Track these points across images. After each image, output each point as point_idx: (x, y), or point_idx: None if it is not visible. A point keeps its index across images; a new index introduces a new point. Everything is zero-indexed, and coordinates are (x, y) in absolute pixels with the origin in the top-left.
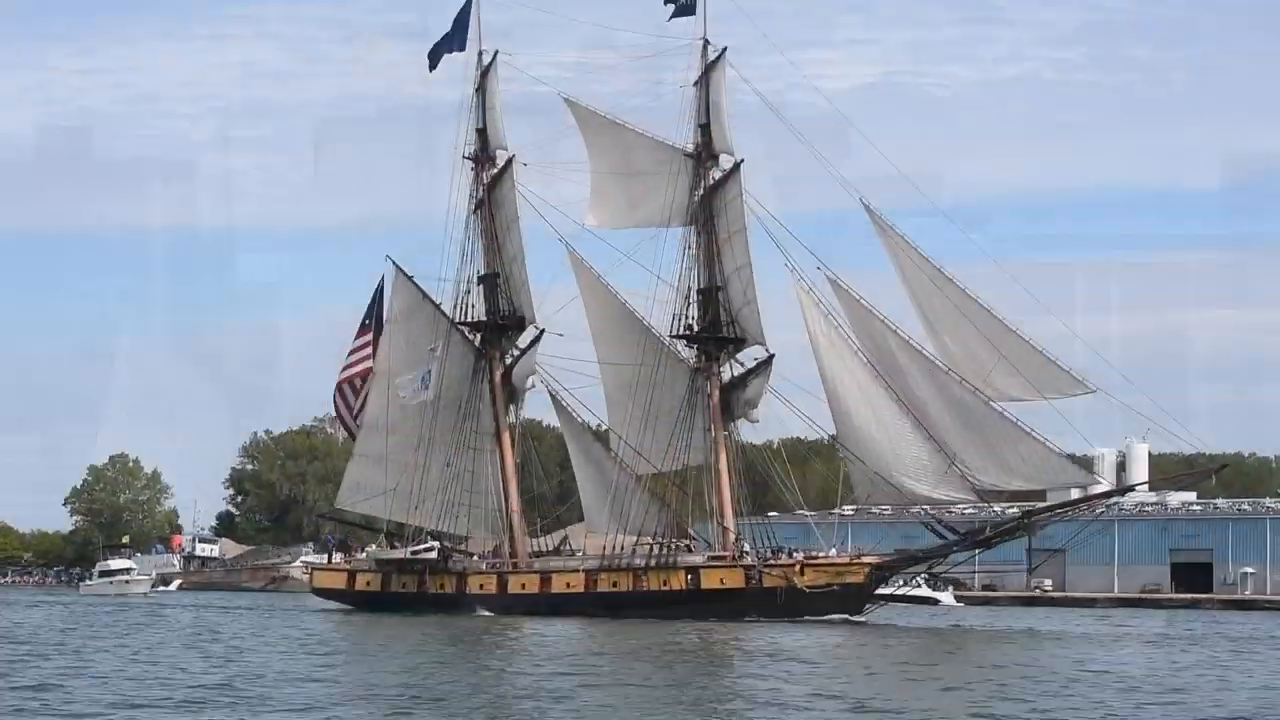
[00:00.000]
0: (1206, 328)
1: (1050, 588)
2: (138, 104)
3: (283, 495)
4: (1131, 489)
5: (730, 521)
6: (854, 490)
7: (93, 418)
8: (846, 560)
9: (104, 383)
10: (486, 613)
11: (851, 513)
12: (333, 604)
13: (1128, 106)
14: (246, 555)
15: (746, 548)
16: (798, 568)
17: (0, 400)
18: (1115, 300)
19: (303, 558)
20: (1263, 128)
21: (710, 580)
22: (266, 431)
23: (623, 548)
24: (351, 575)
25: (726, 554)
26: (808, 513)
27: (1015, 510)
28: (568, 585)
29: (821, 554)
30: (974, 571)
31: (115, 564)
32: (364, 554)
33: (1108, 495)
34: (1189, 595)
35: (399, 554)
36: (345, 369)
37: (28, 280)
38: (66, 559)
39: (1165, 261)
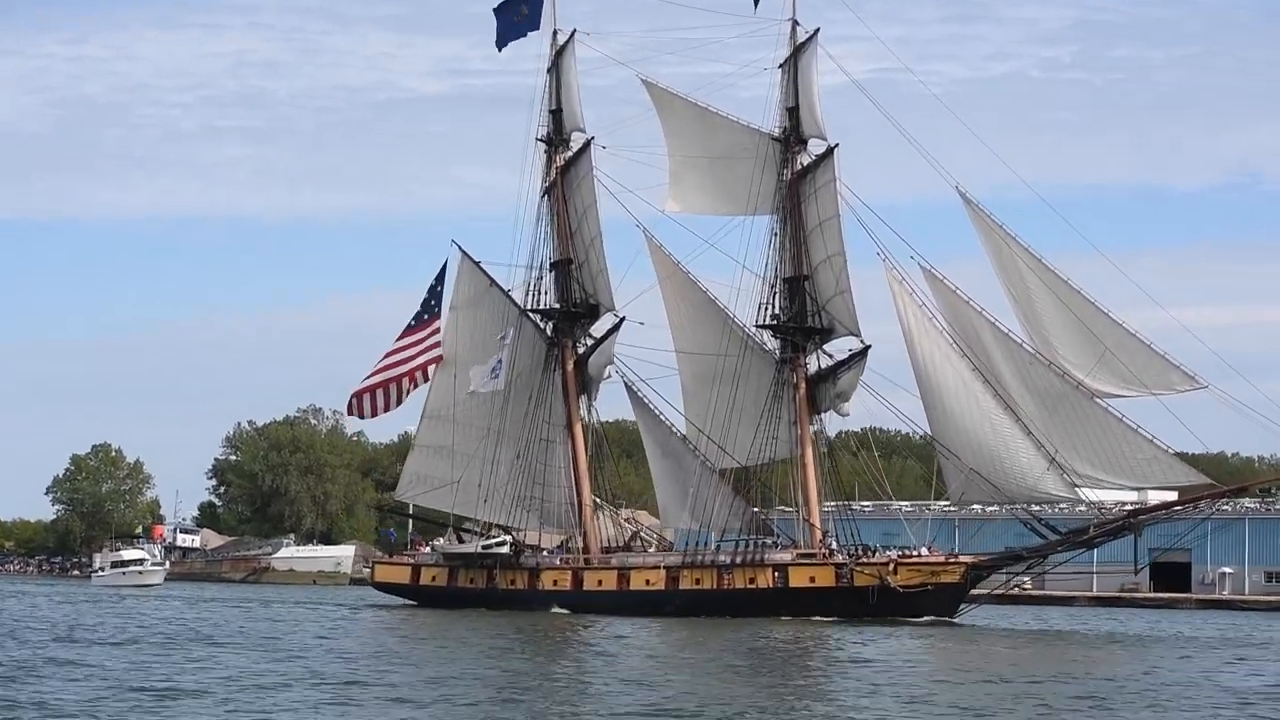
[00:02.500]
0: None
1: (1029, 586)
2: (130, 92)
3: (265, 486)
4: (1245, 489)
5: (817, 518)
6: (948, 486)
7: (75, 407)
8: (942, 559)
9: (87, 372)
10: (561, 610)
11: (939, 509)
12: (394, 599)
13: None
14: (228, 546)
15: (834, 545)
16: (891, 566)
17: None
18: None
19: (284, 549)
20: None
21: (799, 578)
22: (250, 422)
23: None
24: (416, 569)
25: (815, 551)
26: (903, 505)
27: (1111, 506)
28: (647, 582)
29: (914, 552)
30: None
31: (129, 554)
32: (428, 548)
33: (1220, 494)
34: (1167, 595)
35: (469, 548)
36: (405, 359)
37: (15, 267)
38: (49, 548)
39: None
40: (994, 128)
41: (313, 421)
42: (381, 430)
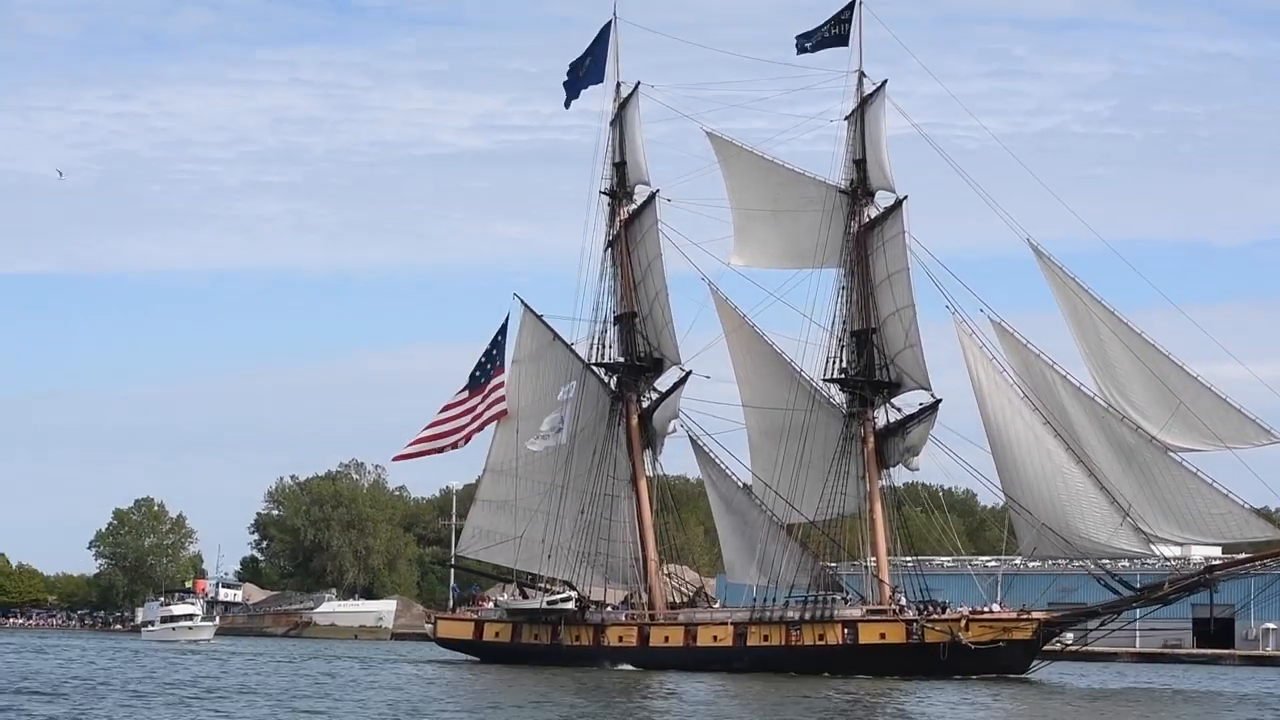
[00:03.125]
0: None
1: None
2: (172, 148)
3: (307, 541)
4: None
5: (886, 574)
6: (1020, 541)
7: (118, 460)
8: (1014, 615)
9: (130, 424)
10: (627, 667)
11: (998, 564)
12: (458, 655)
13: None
14: (270, 601)
15: (903, 601)
16: (962, 623)
17: (23, 441)
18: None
19: (326, 603)
20: None
21: (869, 635)
22: (293, 477)
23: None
24: (479, 625)
25: (884, 607)
26: (975, 560)
27: (1182, 559)
28: (714, 639)
29: (986, 608)
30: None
31: (179, 609)
32: (491, 603)
33: None
34: (1210, 650)
35: (533, 604)
36: (468, 420)
37: (59, 320)
38: (91, 602)
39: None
40: (1033, 182)
41: (354, 476)
42: (424, 485)
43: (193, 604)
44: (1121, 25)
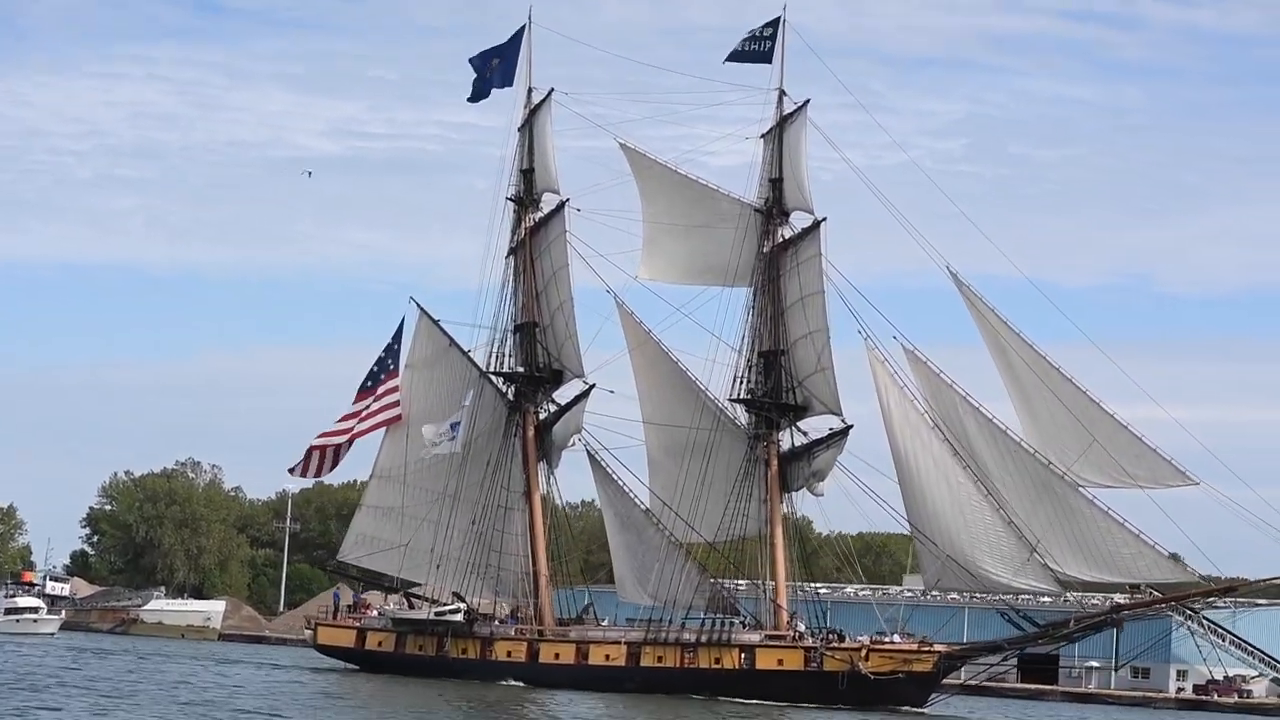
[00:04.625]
0: None
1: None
2: (24, 138)
3: (139, 538)
4: (1234, 589)
5: (784, 599)
6: (924, 573)
7: None
8: (915, 647)
9: None
10: (515, 683)
11: (908, 594)
12: (336, 662)
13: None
14: (97, 596)
15: (802, 627)
16: (863, 652)
17: None
18: None
19: (153, 601)
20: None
21: (766, 660)
22: (127, 472)
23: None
24: (361, 634)
25: (783, 633)
26: (881, 589)
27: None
28: (607, 658)
29: (887, 639)
30: None
31: (23, 601)
32: (375, 611)
33: (1208, 593)
34: (1033, 686)
35: (421, 614)
36: (360, 418)
37: None
38: None
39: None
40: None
41: (190, 475)
42: (260, 487)
43: (36, 597)
44: (978, 66)
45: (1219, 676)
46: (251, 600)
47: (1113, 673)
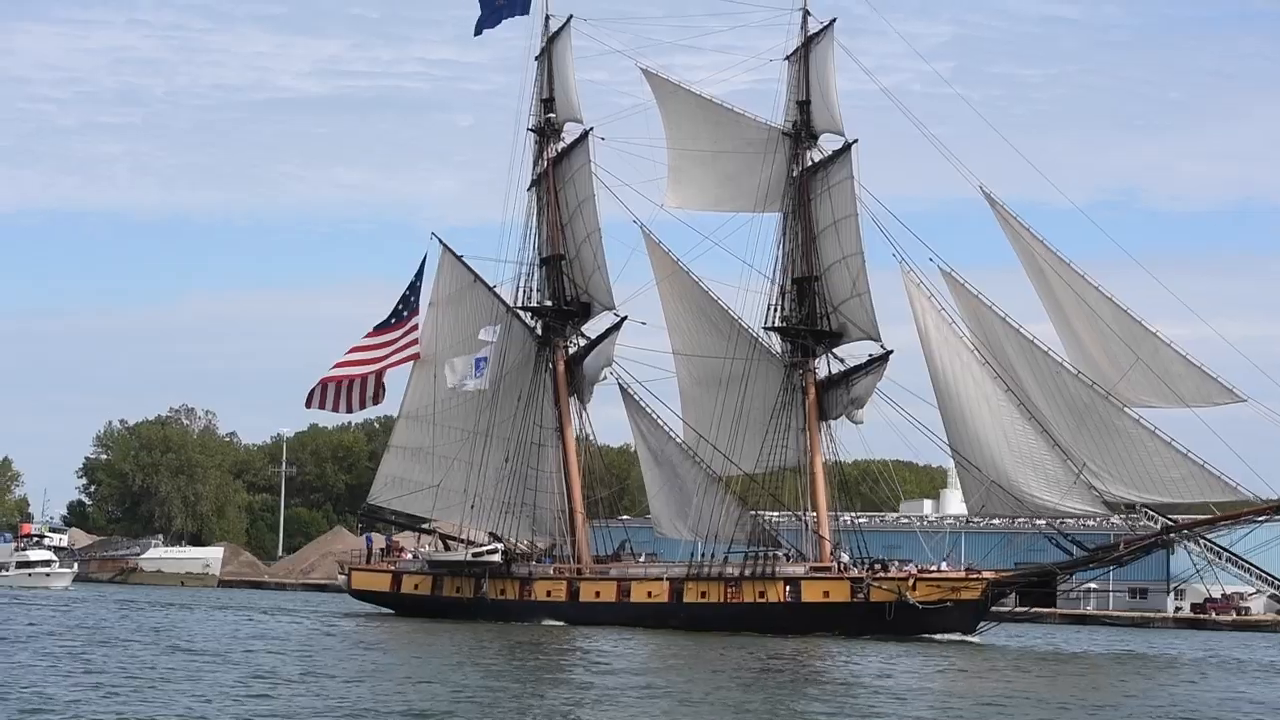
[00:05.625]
0: None
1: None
2: (5, 85)
3: (135, 486)
4: None
5: (826, 530)
6: (968, 499)
7: None
8: (963, 575)
9: None
10: (554, 623)
11: (953, 521)
12: (370, 607)
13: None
14: (95, 546)
15: (845, 558)
16: (910, 582)
17: None
18: None
19: (152, 549)
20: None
21: (812, 593)
22: (122, 421)
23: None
24: (397, 577)
25: (828, 565)
26: (919, 517)
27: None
28: (649, 595)
29: (933, 567)
30: None
31: (35, 555)
32: (410, 554)
33: (1260, 511)
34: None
35: (458, 556)
36: (378, 357)
37: None
38: None
39: None
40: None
41: (185, 421)
42: (255, 432)
43: (49, 549)
44: None
45: (1216, 595)
46: (250, 546)
47: (1110, 594)
